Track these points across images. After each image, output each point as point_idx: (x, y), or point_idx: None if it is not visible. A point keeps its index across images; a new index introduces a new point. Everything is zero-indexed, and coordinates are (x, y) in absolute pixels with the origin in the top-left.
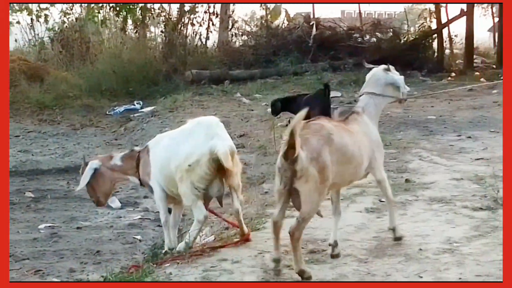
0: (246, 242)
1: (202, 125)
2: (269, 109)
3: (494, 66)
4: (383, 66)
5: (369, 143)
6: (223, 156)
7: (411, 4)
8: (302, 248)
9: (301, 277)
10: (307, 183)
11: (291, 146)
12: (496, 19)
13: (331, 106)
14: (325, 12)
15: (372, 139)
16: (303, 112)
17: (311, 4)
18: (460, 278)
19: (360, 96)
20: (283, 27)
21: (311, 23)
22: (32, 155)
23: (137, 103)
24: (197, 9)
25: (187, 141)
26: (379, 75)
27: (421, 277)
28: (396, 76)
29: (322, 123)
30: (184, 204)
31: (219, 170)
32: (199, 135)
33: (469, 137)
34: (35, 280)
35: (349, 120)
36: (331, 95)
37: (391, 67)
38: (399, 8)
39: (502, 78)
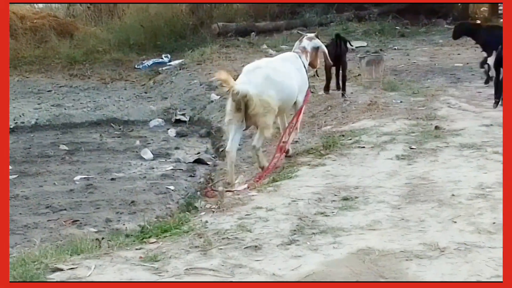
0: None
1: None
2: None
3: None
4: None
5: None
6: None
7: None
8: (335, 195)
9: None
10: None
11: None
12: None
13: (358, 55)
14: None
15: None
16: None
17: None
18: (494, 223)
19: None
20: None
21: None
22: (65, 109)
23: (165, 57)
24: None
25: None
26: None
27: (455, 222)
28: None
29: None
30: None
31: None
32: None
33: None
34: (73, 229)
35: None
36: (355, 45)
37: None
38: None
39: None
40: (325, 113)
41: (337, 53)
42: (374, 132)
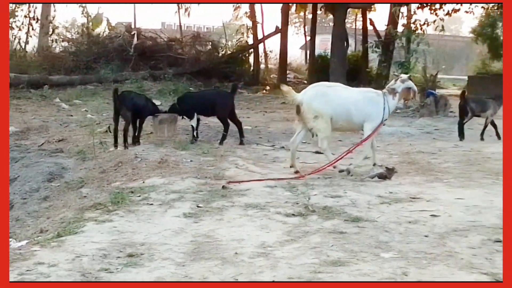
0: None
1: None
2: None
3: (306, 81)
4: None
5: None
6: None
7: (229, 19)
8: (120, 252)
9: None
10: None
11: None
12: (308, 38)
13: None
14: (146, 23)
15: None
16: None
17: (133, 14)
18: (273, 281)
19: None
20: (105, 35)
21: (132, 33)
22: None
23: None
24: (16, 13)
25: None
26: None
27: (237, 279)
28: None
29: None
30: None
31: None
32: None
33: (283, 147)
34: None
35: None
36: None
37: None
38: (218, 23)
39: None
40: (115, 169)
41: (116, 108)
42: (163, 189)
